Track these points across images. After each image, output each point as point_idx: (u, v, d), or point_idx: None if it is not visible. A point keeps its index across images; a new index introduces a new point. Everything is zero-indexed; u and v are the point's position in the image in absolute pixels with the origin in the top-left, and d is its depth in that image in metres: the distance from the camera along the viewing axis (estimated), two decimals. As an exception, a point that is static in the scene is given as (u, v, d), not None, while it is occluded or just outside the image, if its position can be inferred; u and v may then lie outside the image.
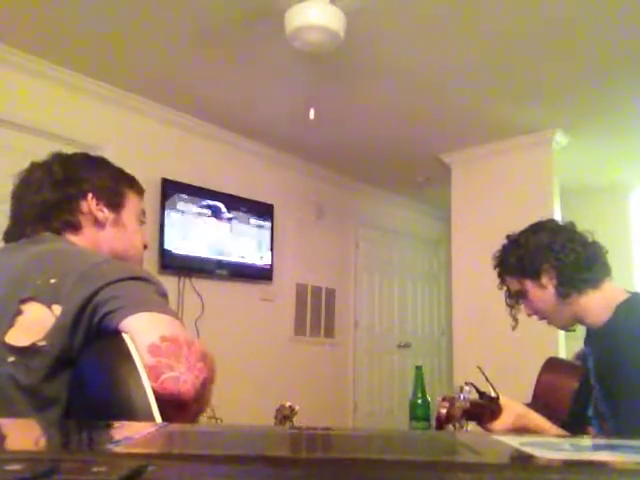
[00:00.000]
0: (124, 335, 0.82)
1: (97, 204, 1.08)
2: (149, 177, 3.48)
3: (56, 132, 2.96)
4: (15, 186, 1.09)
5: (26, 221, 1.04)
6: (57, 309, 0.85)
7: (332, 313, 4.75)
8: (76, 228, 1.06)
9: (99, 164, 1.15)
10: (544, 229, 1.50)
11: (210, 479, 0.33)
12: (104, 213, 1.09)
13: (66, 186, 1.07)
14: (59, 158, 1.11)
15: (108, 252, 1.08)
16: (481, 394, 1.40)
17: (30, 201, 1.05)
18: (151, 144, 3.58)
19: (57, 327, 0.84)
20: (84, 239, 1.06)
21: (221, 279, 3.88)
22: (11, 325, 0.84)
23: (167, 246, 3.56)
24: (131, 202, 1.15)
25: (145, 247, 1.20)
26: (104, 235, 1.09)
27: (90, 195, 1.08)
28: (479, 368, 1.45)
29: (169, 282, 3.43)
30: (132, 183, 1.18)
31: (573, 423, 1.44)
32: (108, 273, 0.89)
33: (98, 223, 1.09)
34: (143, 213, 1.20)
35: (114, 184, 1.13)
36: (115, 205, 1.11)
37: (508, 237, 1.55)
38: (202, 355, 0.84)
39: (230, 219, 3.95)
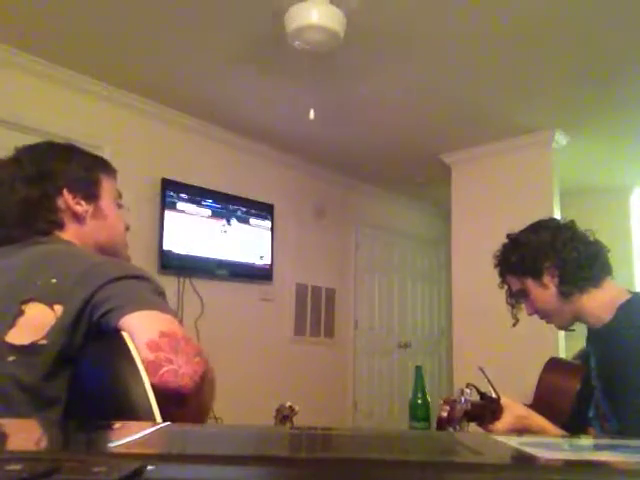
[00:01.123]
0: (123, 333, 0.83)
1: (74, 197, 1.05)
2: (149, 177, 3.49)
3: (56, 132, 2.95)
4: None
5: (10, 223, 1.01)
6: (59, 309, 0.85)
7: (332, 313, 4.75)
8: (60, 226, 1.04)
9: (68, 153, 1.11)
10: (545, 228, 1.50)
11: (210, 479, 0.33)
12: (82, 206, 1.06)
13: (39, 182, 1.03)
14: (27, 151, 1.07)
15: (93, 245, 1.07)
16: (482, 395, 1.40)
17: (8, 202, 1.02)
18: (151, 144, 3.58)
19: (58, 326, 0.84)
20: (70, 236, 1.04)
21: (221, 279, 3.88)
22: (12, 325, 0.84)
23: (167, 246, 3.56)
24: (106, 188, 1.12)
25: (127, 229, 1.17)
26: (87, 230, 1.07)
27: (65, 190, 1.05)
28: (481, 369, 1.44)
29: (169, 282, 3.43)
30: (104, 167, 1.14)
31: (574, 424, 1.44)
32: (107, 272, 0.89)
33: (78, 218, 1.06)
34: (119, 195, 1.16)
35: (87, 173, 1.09)
36: (92, 196, 1.08)
37: (509, 236, 1.55)
38: (199, 350, 0.85)
39: (230, 219, 3.95)
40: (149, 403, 0.75)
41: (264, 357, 4.11)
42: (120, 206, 1.16)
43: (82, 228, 1.06)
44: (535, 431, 1.36)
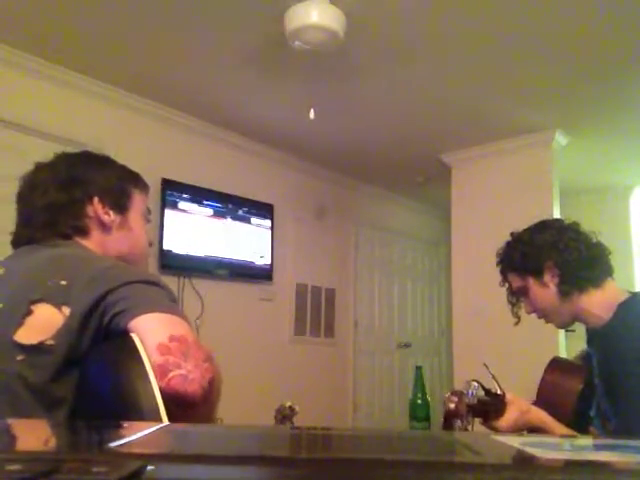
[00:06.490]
0: (132, 335, 0.83)
1: (103, 207, 1.08)
2: (149, 177, 3.46)
3: (56, 132, 2.95)
4: (21, 188, 1.08)
5: (35, 225, 1.04)
6: (66, 310, 0.85)
7: (332, 313, 4.75)
8: (84, 232, 1.06)
9: (104, 163, 1.14)
10: (549, 227, 1.51)
11: (210, 479, 0.33)
12: (110, 216, 1.08)
13: (71, 188, 1.06)
14: (63, 158, 1.11)
15: (115, 254, 1.09)
16: (487, 391, 1.41)
17: (37, 204, 1.04)
18: (151, 144, 3.58)
19: (66, 327, 0.85)
20: (92, 243, 1.06)
21: (221, 279, 3.88)
22: (21, 324, 0.85)
23: (167, 246, 3.56)
24: (136, 202, 1.15)
25: (150, 245, 1.20)
26: (111, 239, 1.09)
27: (96, 199, 1.07)
28: (485, 365, 1.45)
29: (169, 282, 3.38)
30: (137, 181, 1.17)
31: (576, 424, 1.44)
32: (118, 276, 0.90)
33: (104, 227, 1.08)
34: (148, 211, 1.19)
35: (119, 184, 1.12)
36: (121, 207, 1.11)
37: (512, 234, 1.56)
38: (208, 356, 0.85)
39: (230, 219, 3.95)
40: (157, 406, 0.74)
41: (264, 357, 4.11)
42: (148, 221, 1.19)
43: (107, 237, 1.08)
44: (536, 425, 1.37)
